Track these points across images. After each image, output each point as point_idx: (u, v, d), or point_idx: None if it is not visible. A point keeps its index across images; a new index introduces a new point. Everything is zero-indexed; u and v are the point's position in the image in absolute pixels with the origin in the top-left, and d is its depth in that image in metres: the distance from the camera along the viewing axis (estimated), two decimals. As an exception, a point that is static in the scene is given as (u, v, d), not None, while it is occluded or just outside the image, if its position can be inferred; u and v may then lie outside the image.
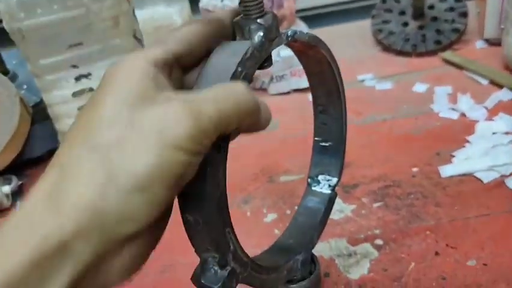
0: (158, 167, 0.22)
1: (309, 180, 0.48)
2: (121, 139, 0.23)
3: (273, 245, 0.46)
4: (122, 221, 0.22)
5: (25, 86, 0.80)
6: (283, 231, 0.47)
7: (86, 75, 0.63)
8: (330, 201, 0.47)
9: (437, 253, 0.51)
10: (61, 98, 0.64)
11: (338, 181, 0.47)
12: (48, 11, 0.58)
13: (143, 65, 0.26)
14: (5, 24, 0.60)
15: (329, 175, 0.47)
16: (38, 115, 0.77)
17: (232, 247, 0.31)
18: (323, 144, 0.47)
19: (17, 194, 0.73)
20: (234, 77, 0.31)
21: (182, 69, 0.31)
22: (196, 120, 0.23)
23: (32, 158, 0.78)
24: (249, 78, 0.32)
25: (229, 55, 0.33)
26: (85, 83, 0.64)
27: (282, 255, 0.44)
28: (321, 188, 0.47)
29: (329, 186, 0.47)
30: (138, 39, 0.66)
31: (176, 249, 0.58)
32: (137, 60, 0.26)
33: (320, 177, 0.47)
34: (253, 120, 0.28)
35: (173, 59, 0.29)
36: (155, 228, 0.26)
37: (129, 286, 0.54)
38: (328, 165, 0.47)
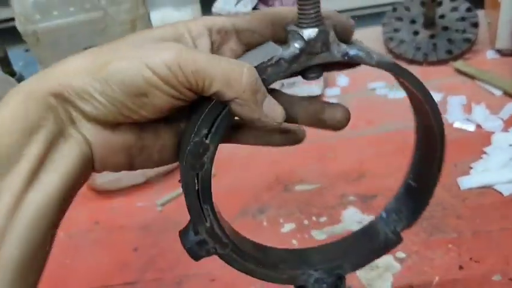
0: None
1: (384, 211, 0.45)
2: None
3: (301, 249, 0.45)
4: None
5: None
6: (329, 242, 0.46)
7: (101, 80, 0.62)
8: (384, 244, 0.44)
9: (461, 267, 0.51)
10: (74, 102, 0.63)
11: (404, 228, 0.44)
12: (65, 13, 0.57)
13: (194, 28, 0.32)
14: (19, 26, 0.58)
15: (399, 217, 0.44)
16: (46, 119, 0.75)
17: (208, 223, 0.36)
18: (411, 182, 0.44)
19: (24, 200, 0.71)
20: None
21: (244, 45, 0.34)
22: (179, 57, 0.27)
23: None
24: (267, 85, 0.32)
25: (258, 56, 0.33)
26: (99, 87, 0.62)
27: (297, 261, 0.43)
28: (385, 225, 0.45)
29: (393, 228, 0.44)
30: (153, 44, 0.64)
31: (191, 261, 0.57)
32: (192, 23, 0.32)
33: (392, 215, 0.45)
34: (241, 99, 0.29)
35: (232, 29, 0.33)
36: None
37: (145, 297, 0.53)
38: (405, 207, 0.44)
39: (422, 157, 0.43)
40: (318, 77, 0.35)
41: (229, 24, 0.32)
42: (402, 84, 0.37)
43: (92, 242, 0.63)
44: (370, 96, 0.86)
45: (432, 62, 0.91)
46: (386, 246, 0.44)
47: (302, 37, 0.32)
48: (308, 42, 0.32)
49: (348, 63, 0.35)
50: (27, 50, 0.86)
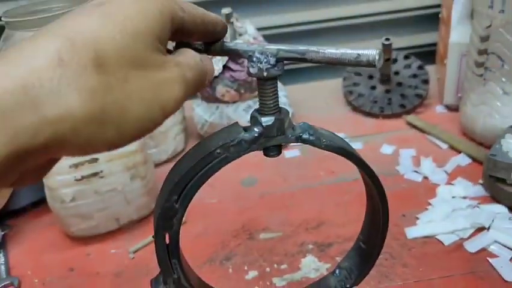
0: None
1: (337, 268, 0.52)
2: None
3: None
4: None
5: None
6: None
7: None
8: None
9: (404, 313, 0.57)
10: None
11: (352, 286, 0.50)
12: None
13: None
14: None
15: (349, 275, 0.51)
16: (24, 166, 0.79)
17: (176, 275, 0.42)
18: (361, 244, 0.51)
19: (0, 246, 0.74)
20: (212, 156, 0.38)
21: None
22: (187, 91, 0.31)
23: (16, 209, 0.79)
24: (231, 160, 0.39)
25: (223, 136, 0.39)
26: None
27: None
28: (337, 281, 0.51)
29: (343, 284, 0.50)
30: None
31: None
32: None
33: (343, 272, 0.51)
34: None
35: (181, 21, 0.33)
36: None
37: None
38: (355, 266, 0.50)
39: (370, 223, 0.49)
40: (277, 155, 0.41)
41: (184, 17, 0.33)
42: (351, 162, 0.44)
43: (67, 288, 0.66)
44: (331, 146, 0.93)
45: (387, 115, 0.99)
46: None
47: (261, 123, 0.39)
48: (266, 128, 0.39)
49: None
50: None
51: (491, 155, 0.69)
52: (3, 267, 0.70)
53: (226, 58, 0.87)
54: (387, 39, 0.94)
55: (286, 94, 0.98)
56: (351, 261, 0.51)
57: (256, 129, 0.39)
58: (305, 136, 0.40)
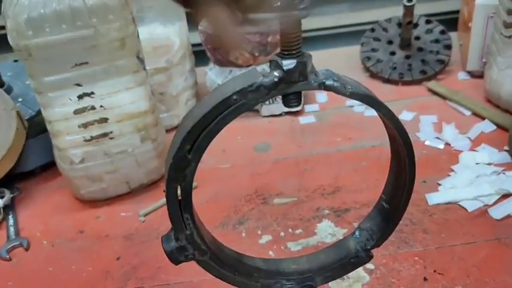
0: None
1: (357, 229, 0.48)
2: None
3: (276, 260, 0.48)
4: None
5: (20, 99, 0.80)
6: (303, 255, 0.49)
7: (89, 94, 0.64)
8: (355, 260, 0.47)
9: (425, 279, 0.54)
10: (62, 115, 0.65)
11: (374, 247, 0.47)
12: (57, 30, 0.59)
13: None
14: (11, 41, 0.60)
15: (370, 236, 0.47)
16: (33, 129, 0.77)
17: (188, 231, 0.40)
18: (384, 203, 0.47)
19: (9, 208, 0.73)
20: (228, 102, 0.35)
21: None
22: None
23: (24, 171, 0.78)
24: (249, 108, 0.36)
25: (241, 81, 0.36)
26: (87, 101, 0.65)
27: (271, 271, 0.47)
28: (356, 243, 0.48)
29: (364, 245, 0.47)
30: (141, 60, 0.67)
31: (171, 269, 0.59)
32: None
33: (364, 233, 0.48)
34: None
35: None
36: None
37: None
38: (377, 226, 0.47)
39: (395, 181, 0.46)
40: (298, 105, 0.38)
41: None
42: (377, 113, 0.40)
43: (76, 250, 0.65)
44: (347, 113, 0.90)
45: (407, 82, 0.95)
46: (356, 263, 0.48)
47: (281, 67, 0.36)
48: (287, 72, 0.36)
49: None
50: (15, 61, 0.88)
51: (519, 119, 0.66)
52: (12, 228, 0.69)
53: (240, 19, 0.84)
54: (410, 1, 0.89)
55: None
56: (372, 222, 0.48)
57: (276, 74, 0.36)
58: (329, 82, 0.37)
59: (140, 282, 0.58)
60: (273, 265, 0.48)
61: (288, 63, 0.36)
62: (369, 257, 0.47)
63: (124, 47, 0.64)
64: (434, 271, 0.55)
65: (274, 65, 0.36)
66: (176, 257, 0.42)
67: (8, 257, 0.64)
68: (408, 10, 0.91)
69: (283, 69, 0.36)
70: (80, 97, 0.64)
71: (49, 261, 0.64)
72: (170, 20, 0.89)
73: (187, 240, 0.41)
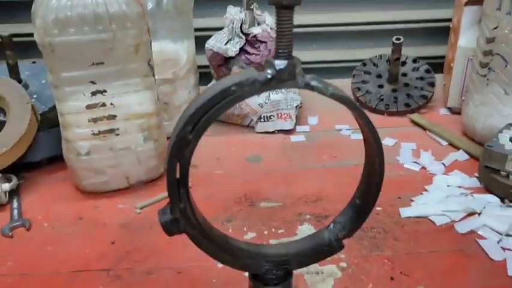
0: None
1: (332, 222, 0.54)
2: None
3: (258, 244, 0.54)
4: None
5: (35, 96, 0.87)
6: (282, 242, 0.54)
7: (102, 92, 0.71)
8: (328, 249, 0.52)
9: (392, 278, 0.60)
10: (75, 109, 0.72)
11: (345, 237, 0.52)
12: (80, 31, 0.67)
13: None
14: (37, 38, 0.67)
15: (343, 228, 0.53)
16: (44, 123, 0.84)
17: (182, 205, 0.44)
18: (356, 200, 0.54)
19: (14, 193, 0.78)
20: (227, 92, 0.41)
21: None
22: None
23: (32, 162, 0.84)
24: (243, 98, 0.42)
25: (240, 77, 0.43)
26: (99, 98, 0.71)
27: (253, 252, 0.52)
28: (330, 234, 0.54)
29: (337, 236, 0.53)
30: (151, 67, 0.75)
31: (162, 255, 0.64)
32: None
33: (337, 225, 0.54)
34: None
35: None
36: None
37: (116, 283, 0.60)
38: (349, 220, 0.53)
39: (367, 179, 0.53)
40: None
41: None
42: (353, 114, 0.47)
43: (75, 234, 0.70)
44: (335, 135, 0.97)
45: (392, 113, 1.03)
46: (329, 251, 0.54)
47: (274, 66, 0.43)
48: (278, 71, 0.43)
49: None
50: (34, 62, 0.95)
51: (487, 146, 0.73)
52: (16, 210, 0.74)
53: (243, 41, 0.92)
54: (398, 39, 0.98)
55: (297, 84, 1.03)
56: (345, 216, 0.54)
57: (269, 71, 0.43)
58: (313, 83, 0.44)
59: (133, 264, 0.63)
60: (255, 248, 0.53)
61: (280, 64, 0.43)
62: (340, 247, 0.53)
63: (138, 53, 0.71)
64: (401, 272, 0.61)
65: (269, 65, 0.43)
66: (169, 228, 0.47)
67: (10, 234, 0.69)
68: (397, 47, 1.00)
69: (275, 68, 0.43)
70: (93, 94, 0.71)
71: (48, 241, 0.68)
72: (180, 38, 0.97)
73: (181, 213, 0.47)
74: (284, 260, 0.53)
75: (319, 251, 0.53)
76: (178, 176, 0.45)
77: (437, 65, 1.19)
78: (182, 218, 0.47)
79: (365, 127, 0.47)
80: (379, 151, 0.48)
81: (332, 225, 0.54)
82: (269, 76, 0.43)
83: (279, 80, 0.43)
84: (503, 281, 0.59)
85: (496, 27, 0.80)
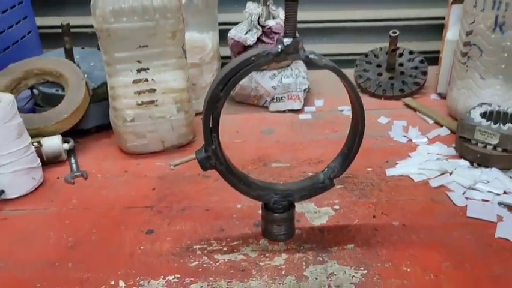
0: None
1: (326, 167, 0.70)
2: None
3: (269, 182, 0.70)
4: None
5: (86, 75, 1.04)
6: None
7: (146, 69, 0.88)
8: (322, 185, 0.69)
9: (374, 216, 0.76)
10: (123, 83, 0.89)
11: (335, 177, 0.69)
12: (131, 19, 0.84)
13: None
14: (96, 25, 0.85)
15: (333, 170, 0.69)
16: (94, 98, 1.01)
17: (213, 146, 0.62)
18: (345, 150, 0.70)
19: (71, 152, 0.96)
20: (248, 62, 0.57)
21: None
22: None
23: (83, 129, 1.01)
24: (260, 66, 0.59)
25: (258, 49, 0.59)
26: (143, 75, 0.89)
27: (265, 187, 0.68)
28: (324, 175, 0.70)
29: (329, 176, 0.69)
30: (184, 51, 0.91)
31: (192, 199, 0.81)
32: None
33: (330, 169, 0.70)
34: None
35: None
36: None
37: (158, 216, 0.77)
38: (339, 165, 0.69)
39: (352, 133, 0.69)
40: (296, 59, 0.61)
41: None
42: (341, 80, 0.63)
43: (123, 182, 0.87)
44: (338, 114, 1.13)
45: (388, 97, 1.18)
46: (323, 187, 0.70)
47: (283, 42, 0.59)
48: (286, 46, 0.59)
49: None
50: (82, 48, 1.13)
51: (460, 119, 0.88)
52: (74, 165, 0.92)
53: (260, 32, 1.08)
54: (394, 32, 1.14)
55: (306, 71, 1.18)
56: (336, 162, 0.70)
57: (279, 46, 0.59)
58: (311, 56, 0.60)
59: (170, 204, 0.80)
60: (267, 184, 0.70)
61: (287, 41, 0.59)
62: (331, 184, 0.69)
63: (175, 38, 0.88)
64: (382, 213, 0.76)
65: (279, 42, 0.60)
66: (204, 164, 0.64)
67: (72, 181, 0.86)
68: (393, 39, 1.15)
69: (284, 44, 0.59)
70: (138, 71, 0.88)
71: (102, 187, 0.86)
72: (206, 29, 1.15)
73: (213, 152, 0.63)
74: (289, 193, 0.69)
75: (316, 187, 0.70)
76: (211, 124, 0.62)
77: (432, 58, 1.34)
78: (213, 155, 0.64)
79: (348, 88, 0.63)
80: (358, 101, 0.64)
81: (326, 169, 0.71)
82: (279, 49, 0.59)
83: (286, 53, 0.60)
84: (463, 220, 0.74)
85: (473, 22, 0.95)
